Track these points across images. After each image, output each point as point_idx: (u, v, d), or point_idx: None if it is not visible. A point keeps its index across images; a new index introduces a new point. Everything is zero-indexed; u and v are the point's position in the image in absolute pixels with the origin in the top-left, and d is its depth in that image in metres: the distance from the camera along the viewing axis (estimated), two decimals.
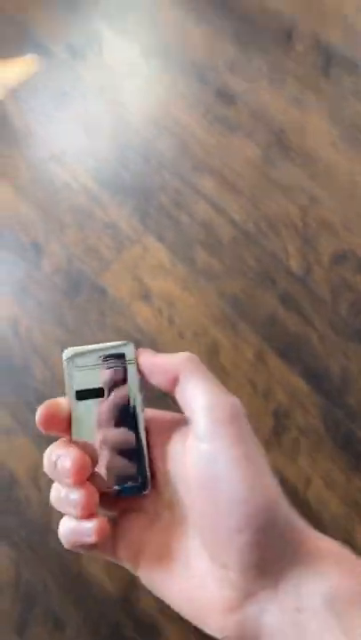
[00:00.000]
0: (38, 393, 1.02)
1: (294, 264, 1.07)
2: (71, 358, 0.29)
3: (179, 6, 1.29)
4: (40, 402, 0.28)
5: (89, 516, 0.25)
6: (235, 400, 0.25)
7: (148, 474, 0.28)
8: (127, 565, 0.28)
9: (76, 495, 0.26)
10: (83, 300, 1.07)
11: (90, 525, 0.25)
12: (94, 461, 0.27)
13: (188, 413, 0.27)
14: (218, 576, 0.24)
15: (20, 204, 1.14)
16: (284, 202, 1.10)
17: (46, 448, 0.28)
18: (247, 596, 0.23)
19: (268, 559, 0.23)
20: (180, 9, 1.28)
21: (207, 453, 0.24)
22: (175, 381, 0.27)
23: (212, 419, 0.24)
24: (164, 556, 0.26)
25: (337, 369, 0.99)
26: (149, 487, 0.28)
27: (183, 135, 1.18)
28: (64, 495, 0.27)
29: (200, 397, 0.25)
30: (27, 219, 1.13)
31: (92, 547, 0.26)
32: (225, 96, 1.19)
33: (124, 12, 1.30)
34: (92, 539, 0.25)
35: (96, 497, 0.26)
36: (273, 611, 0.22)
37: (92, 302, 1.07)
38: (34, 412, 0.28)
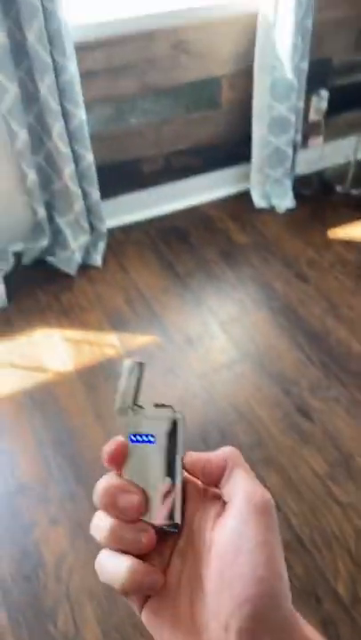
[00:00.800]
0: None
1: (342, 588, 1.06)
2: (132, 406, 0.32)
3: (278, 328, 1.60)
4: None
5: (149, 545, 0.30)
6: (269, 496, 0.29)
7: (180, 517, 0.31)
8: (135, 604, 0.30)
9: (133, 530, 0.30)
10: None
11: (141, 534, 0.29)
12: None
13: (227, 494, 0.30)
14: (216, 635, 0.27)
15: None
16: (342, 520, 1.16)
17: None
18: None
19: (263, 632, 0.26)
20: (279, 332, 1.59)
21: (238, 531, 0.28)
22: (223, 469, 0.31)
23: (249, 505, 0.28)
24: (171, 606, 0.29)
25: None
26: (180, 528, 0.31)
27: (260, 429, 1.34)
28: (116, 527, 0.30)
29: (243, 486, 0.29)
30: None
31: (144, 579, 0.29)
32: (303, 410, 1.38)
33: (235, 321, 1.63)
34: (143, 541, 0.29)
35: (153, 531, 0.30)
36: None
37: None
38: None
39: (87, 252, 1.84)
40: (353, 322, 1.61)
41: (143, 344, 1.57)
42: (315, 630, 0.28)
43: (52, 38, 1.44)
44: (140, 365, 0.33)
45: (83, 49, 1.60)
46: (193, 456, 0.32)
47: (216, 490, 0.32)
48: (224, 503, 0.30)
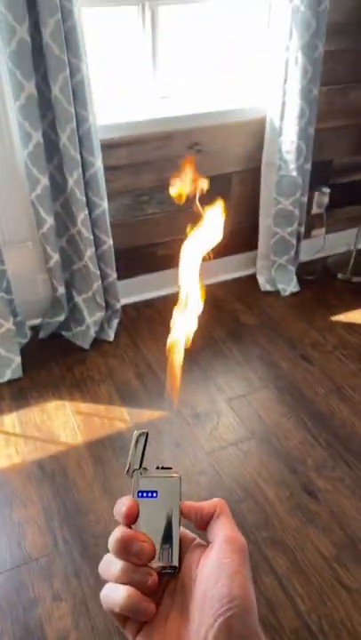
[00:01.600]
0: None
1: None
2: (139, 469, 0.39)
3: (284, 407, 1.64)
4: None
5: (153, 587, 0.36)
6: (244, 541, 0.36)
7: (178, 561, 0.38)
8: (129, 634, 0.37)
9: (141, 573, 0.36)
10: None
11: (148, 577, 0.36)
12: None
13: (212, 533, 0.37)
14: None
15: None
16: (350, 607, 1.14)
17: None
18: None
19: (235, 637, 0.32)
20: (285, 410, 1.63)
21: (219, 562, 0.35)
22: (212, 515, 0.38)
23: (228, 545, 0.35)
24: (161, 633, 0.36)
25: None
26: (179, 571, 0.38)
27: (266, 508, 1.35)
28: (127, 569, 0.36)
29: (225, 530, 0.37)
30: None
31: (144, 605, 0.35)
32: (309, 490, 1.39)
33: (241, 399, 1.68)
34: (149, 583, 0.35)
35: (156, 575, 0.36)
36: None
37: None
38: None
39: (101, 327, 1.93)
40: (356, 403, 1.65)
41: (152, 418, 1.61)
42: None
43: (82, 138, 1.61)
44: (146, 435, 0.40)
45: (108, 147, 1.79)
46: (189, 504, 0.39)
47: (200, 540, 0.39)
48: (209, 543, 0.37)
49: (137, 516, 0.38)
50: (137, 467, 0.40)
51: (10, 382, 1.75)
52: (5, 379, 1.75)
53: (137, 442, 0.40)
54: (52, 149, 1.64)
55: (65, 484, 1.41)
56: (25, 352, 1.83)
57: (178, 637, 0.35)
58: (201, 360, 1.85)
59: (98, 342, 1.92)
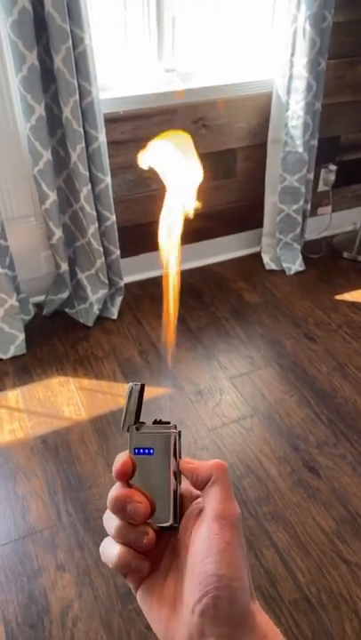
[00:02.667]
0: None
1: None
2: (135, 425, 0.37)
3: (286, 385, 1.64)
4: None
5: (148, 546, 0.35)
6: (236, 512, 0.35)
7: (177, 520, 0.37)
8: (132, 586, 0.37)
9: (137, 532, 0.35)
10: (135, 608, 1.09)
11: (144, 536, 0.35)
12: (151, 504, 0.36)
13: (205, 503, 0.36)
14: (187, 616, 0.33)
15: None
16: (349, 580, 1.15)
17: None
18: (202, 636, 0.32)
19: (220, 618, 0.32)
20: (287, 388, 1.63)
21: (208, 538, 0.34)
22: (208, 479, 0.36)
23: (218, 519, 0.34)
24: (158, 592, 0.36)
25: None
26: (177, 528, 0.37)
27: (268, 483, 1.36)
28: (122, 528, 0.36)
29: (217, 500, 0.35)
30: None
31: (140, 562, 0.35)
32: (310, 466, 1.40)
33: (244, 377, 1.68)
34: (144, 542, 0.35)
35: (153, 533, 0.36)
36: None
37: (141, 613, 1.08)
38: None
39: (104, 304, 1.92)
40: (358, 381, 1.65)
41: (155, 395, 1.61)
42: (270, 623, 0.34)
43: (85, 112, 1.59)
44: (141, 387, 0.38)
45: (112, 121, 1.76)
46: (187, 463, 0.38)
47: (199, 497, 0.38)
48: (202, 509, 0.36)
49: (132, 473, 0.37)
50: (132, 422, 0.37)
51: (14, 358, 1.76)
52: (9, 355, 1.76)
53: (130, 395, 0.38)
54: (54, 123, 1.62)
55: (68, 458, 1.42)
56: (29, 329, 1.84)
57: (173, 599, 0.35)
58: (204, 338, 1.85)
59: (101, 320, 1.92)
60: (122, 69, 1.82)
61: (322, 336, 1.85)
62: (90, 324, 1.88)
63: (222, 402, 1.60)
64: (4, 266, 1.68)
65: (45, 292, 1.96)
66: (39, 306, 1.96)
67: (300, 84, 1.85)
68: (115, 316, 1.93)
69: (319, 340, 1.83)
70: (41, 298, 1.98)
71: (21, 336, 1.77)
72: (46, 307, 1.93)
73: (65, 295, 1.89)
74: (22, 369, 1.72)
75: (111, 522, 0.37)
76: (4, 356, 1.75)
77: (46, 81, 1.54)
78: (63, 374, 1.70)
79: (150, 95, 1.81)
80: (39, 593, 1.13)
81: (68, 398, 1.61)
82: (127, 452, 0.38)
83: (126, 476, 0.37)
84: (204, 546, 0.33)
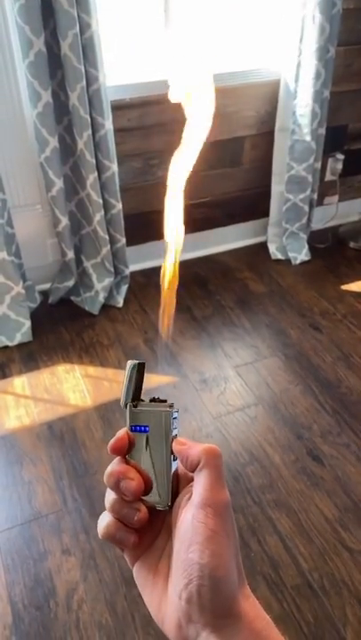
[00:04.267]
0: None
1: (350, 636, 1.06)
2: (132, 403, 0.38)
3: (291, 374, 1.65)
4: None
5: (140, 523, 0.36)
6: (224, 499, 0.34)
7: (170, 496, 0.37)
8: (128, 560, 0.38)
9: (130, 508, 0.36)
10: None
11: (135, 513, 0.36)
12: (143, 480, 0.37)
13: (194, 487, 0.35)
14: (174, 600, 0.34)
15: None
16: (351, 567, 1.17)
17: None
18: (189, 621, 0.32)
19: (205, 606, 0.32)
20: (292, 378, 1.64)
21: (193, 525, 0.33)
22: (196, 466, 0.36)
23: (204, 506, 0.34)
24: (153, 569, 0.36)
25: None
26: (170, 506, 0.37)
27: (271, 471, 1.37)
28: (116, 504, 0.36)
29: (204, 487, 0.34)
30: None
31: (131, 537, 0.36)
32: (314, 455, 1.40)
33: (249, 366, 1.68)
34: (136, 518, 0.35)
35: (145, 511, 0.36)
36: (203, 637, 0.32)
37: None
38: None
39: (110, 293, 1.93)
40: None
41: (160, 383, 1.62)
42: (259, 610, 0.34)
43: (92, 99, 1.58)
44: (139, 365, 0.38)
45: (118, 108, 1.75)
46: (179, 442, 0.37)
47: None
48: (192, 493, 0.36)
49: (128, 449, 0.38)
50: (130, 399, 0.37)
51: (20, 346, 1.77)
52: (15, 342, 1.77)
53: (131, 373, 0.37)
54: (61, 110, 1.61)
55: (74, 444, 1.44)
56: (35, 316, 1.84)
57: (167, 577, 0.36)
58: (209, 327, 1.85)
59: (107, 308, 1.93)
60: (129, 56, 1.81)
61: (327, 326, 1.85)
62: (95, 312, 1.89)
63: (227, 390, 1.60)
64: (10, 253, 1.68)
65: (51, 279, 1.96)
66: (45, 294, 1.97)
67: (308, 72, 1.83)
68: (120, 305, 1.93)
69: (324, 329, 1.83)
70: (47, 286, 1.99)
71: (27, 323, 1.78)
72: (52, 294, 1.93)
73: (71, 283, 1.90)
74: (28, 356, 1.73)
75: (108, 496, 0.37)
76: (10, 343, 1.76)
77: (53, 67, 1.53)
78: (69, 362, 1.71)
79: (157, 82, 1.80)
80: (45, 576, 1.15)
81: (74, 385, 1.62)
82: (125, 428, 0.38)
83: (121, 452, 0.38)
84: (188, 533, 0.33)
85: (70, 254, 1.83)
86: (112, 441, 0.37)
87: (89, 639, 1.05)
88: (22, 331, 1.77)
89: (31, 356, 1.74)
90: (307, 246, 2.19)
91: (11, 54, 1.56)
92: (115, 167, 1.72)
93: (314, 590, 1.13)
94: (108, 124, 1.64)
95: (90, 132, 1.61)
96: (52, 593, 1.12)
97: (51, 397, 1.58)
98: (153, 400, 0.38)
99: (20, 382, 1.64)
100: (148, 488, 0.37)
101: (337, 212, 2.32)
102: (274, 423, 1.49)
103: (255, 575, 1.15)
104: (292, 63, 1.85)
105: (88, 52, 1.51)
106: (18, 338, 1.77)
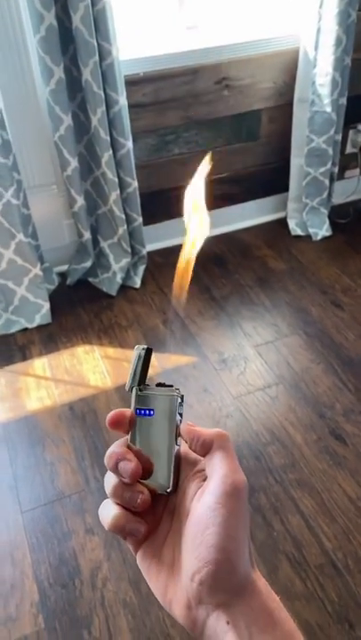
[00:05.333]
0: None
1: None
2: (138, 386, 0.38)
3: (313, 353, 1.62)
4: None
5: (143, 506, 0.35)
6: (241, 480, 0.34)
7: (173, 480, 0.36)
8: (131, 547, 0.37)
9: (131, 491, 0.35)
10: None
11: (138, 495, 0.35)
12: (144, 468, 0.36)
13: (208, 471, 0.35)
14: (185, 582, 0.33)
15: None
16: None
17: None
18: (199, 603, 0.33)
19: (219, 587, 0.32)
20: (314, 356, 1.61)
21: (210, 508, 0.33)
22: (210, 447, 0.35)
23: (221, 489, 0.33)
24: (158, 555, 0.36)
25: None
26: (172, 491, 0.37)
27: (293, 451, 1.35)
28: (118, 487, 0.36)
29: (219, 469, 0.34)
30: None
31: (137, 526, 0.35)
32: (337, 435, 1.39)
33: (269, 345, 1.66)
34: (138, 501, 0.35)
35: (148, 494, 0.36)
36: (213, 617, 0.32)
37: None
38: None
39: (127, 273, 1.91)
40: None
41: (179, 363, 1.61)
42: (270, 591, 0.34)
43: (105, 74, 1.54)
44: (146, 351, 0.38)
45: (132, 83, 1.71)
46: (188, 427, 0.37)
47: (202, 466, 0.37)
48: (206, 477, 0.35)
49: (128, 427, 0.37)
50: (136, 383, 0.38)
51: (39, 327, 1.77)
52: (35, 324, 1.77)
53: (138, 358, 0.38)
54: (74, 86, 1.58)
55: (95, 425, 1.44)
56: (53, 298, 1.84)
57: (172, 562, 0.36)
58: (228, 306, 1.83)
59: (124, 289, 1.91)
60: (142, 28, 1.76)
61: (349, 303, 1.81)
62: (113, 293, 1.88)
63: (247, 370, 1.59)
64: (27, 235, 1.67)
65: (68, 261, 1.95)
66: (63, 275, 1.96)
67: (328, 38, 1.76)
68: (138, 285, 1.92)
69: (346, 307, 1.79)
70: (64, 267, 1.98)
71: (46, 305, 1.78)
72: (70, 276, 1.92)
73: (88, 264, 1.88)
74: (48, 337, 1.74)
75: (109, 480, 0.37)
76: (29, 325, 1.77)
77: (65, 41, 1.49)
78: (88, 343, 1.71)
79: (171, 55, 1.75)
80: (69, 555, 1.17)
81: (94, 367, 1.62)
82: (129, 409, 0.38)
83: (119, 425, 0.37)
84: (205, 515, 0.33)
85: (87, 235, 1.82)
86: (110, 413, 0.37)
87: (114, 616, 1.07)
88: (41, 313, 1.77)
89: (51, 337, 1.74)
90: (328, 221, 2.13)
91: (21, 30, 1.53)
92: (130, 144, 1.68)
93: (338, 569, 1.12)
94: (123, 100, 1.60)
95: (104, 108, 1.57)
96: (76, 571, 1.14)
97: (71, 379, 1.59)
98: (159, 385, 0.38)
99: (40, 364, 1.64)
100: (148, 472, 0.37)
101: (358, 186, 2.25)
102: (295, 402, 1.48)
103: (278, 554, 1.14)
104: (311, 29, 1.77)
105: (100, 24, 1.46)
106: (37, 320, 1.77)
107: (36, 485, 1.31)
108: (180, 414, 0.38)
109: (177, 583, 0.34)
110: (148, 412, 0.37)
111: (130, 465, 0.35)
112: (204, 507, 0.34)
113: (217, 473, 0.34)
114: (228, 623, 0.32)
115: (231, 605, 0.32)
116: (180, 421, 0.38)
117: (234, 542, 0.32)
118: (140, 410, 0.38)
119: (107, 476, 0.37)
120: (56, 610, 1.08)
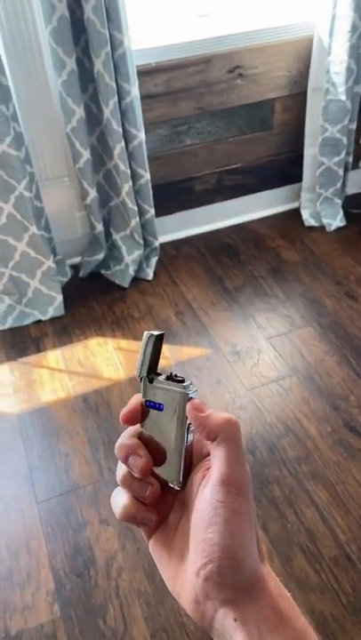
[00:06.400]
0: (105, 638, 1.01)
1: None
2: (147, 377, 0.36)
3: (327, 345, 1.61)
4: None
5: (152, 498, 0.35)
6: (247, 475, 0.33)
7: (182, 474, 0.36)
8: (144, 534, 0.37)
9: (141, 483, 0.35)
10: None
11: (147, 487, 0.35)
12: (155, 456, 0.36)
13: (211, 462, 0.34)
14: (191, 577, 0.33)
15: None
16: None
17: None
18: (206, 598, 0.32)
19: (225, 584, 0.32)
20: (328, 348, 1.60)
21: (212, 505, 0.32)
22: (214, 437, 0.34)
23: (223, 485, 0.32)
24: (169, 543, 0.36)
25: None
26: (181, 485, 0.36)
27: (307, 443, 1.35)
28: (128, 478, 0.36)
29: (222, 463, 0.33)
30: None
31: (146, 513, 0.35)
32: (351, 427, 1.38)
33: (282, 336, 1.65)
34: (147, 493, 0.35)
35: (158, 485, 0.35)
36: (221, 613, 0.32)
37: None
38: None
39: (140, 265, 1.91)
40: None
41: (192, 355, 1.61)
42: (281, 587, 0.33)
43: (117, 64, 1.53)
44: (156, 337, 0.36)
45: (143, 73, 1.69)
46: (199, 410, 0.35)
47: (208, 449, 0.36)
48: (209, 468, 0.35)
49: (138, 419, 0.37)
50: (145, 372, 0.36)
51: (53, 320, 1.78)
52: (48, 316, 1.78)
53: (147, 345, 0.36)
54: (86, 77, 1.57)
55: (109, 417, 1.45)
56: (66, 290, 1.85)
57: (182, 552, 0.35)
58: (241, 298, 1.82)
59: (137, 281, 1.91)
60: (153, 18, 1.74)
61: None
62: (126, 285, 1.88)
63: (260, 362, 1.58)
64: (39, 227, 1.68)
65: (81, 253, 1.95)
66: (75, 267, 1.97)
67: (344, 25, 1.72)
68: (150, 277, 1.91)
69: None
70: (77, 259, 1.98)
71: (59, 297, 1.78)
72: (82, 268, 1.93)
73: (100, 256, 1.89)
74: (61, 330, 1.75)
75: (119, 468, 0.37)
76: (43, 318, 1.78)
77: (76, 32, 1.49)
78: (101, 335, 1.71)
79: (183, 44, 1.73)
80: (84, 545, 1.18)
81: (107, 359, 1.63)
82: (140, 395, 0.37)
83: (133, 422, 0.37)
84: (207, 512, 0.32)
85: (99, 227, 1.82)
86: (124, 410, 0.37)
87: (129, 606, 1.08)
88: (54, 305, 1.78)
89: (64, 329, 1.75)
90: (342, 212, 2.11)
91: (33, 21, 1.52)
92: (142, 135, 1.67)
93: (352, 561, 1.12)
94: (135, 91, 1.59)
95: (116, 99, 1.56)
96: (91, 561, 1.15)
97: (85, 370, 1.59)
98: (170, 377, 0.36)
99: (54, 356, 1.65)
100: (161, 460, 0.36)
101: None
102: (309, 394, 1.47)
103: (292, 546, 1.14)
104: (326, 16, 1.74)
105: (112, 14, 1.45)
106: (50, 312, 1.78)
107: (51, 476, 1.32)
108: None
109: (185, 576, 0.34)
110: (157, 405, 0.36)
111: (140, 461, 0.35)
112: (204, 503, 0.33)
113: (218, 469, 0.33)
114: (235, 620, 0.31)
115: (239, 603, 0.32)
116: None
117: (238, 540, 0.32)
118: (149, 402, 0.36)
119: (119, 463, 0.37)
120: (72, 599, 1.09)
